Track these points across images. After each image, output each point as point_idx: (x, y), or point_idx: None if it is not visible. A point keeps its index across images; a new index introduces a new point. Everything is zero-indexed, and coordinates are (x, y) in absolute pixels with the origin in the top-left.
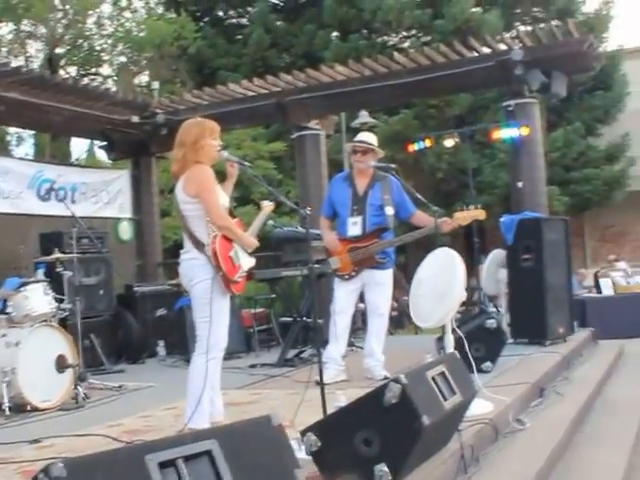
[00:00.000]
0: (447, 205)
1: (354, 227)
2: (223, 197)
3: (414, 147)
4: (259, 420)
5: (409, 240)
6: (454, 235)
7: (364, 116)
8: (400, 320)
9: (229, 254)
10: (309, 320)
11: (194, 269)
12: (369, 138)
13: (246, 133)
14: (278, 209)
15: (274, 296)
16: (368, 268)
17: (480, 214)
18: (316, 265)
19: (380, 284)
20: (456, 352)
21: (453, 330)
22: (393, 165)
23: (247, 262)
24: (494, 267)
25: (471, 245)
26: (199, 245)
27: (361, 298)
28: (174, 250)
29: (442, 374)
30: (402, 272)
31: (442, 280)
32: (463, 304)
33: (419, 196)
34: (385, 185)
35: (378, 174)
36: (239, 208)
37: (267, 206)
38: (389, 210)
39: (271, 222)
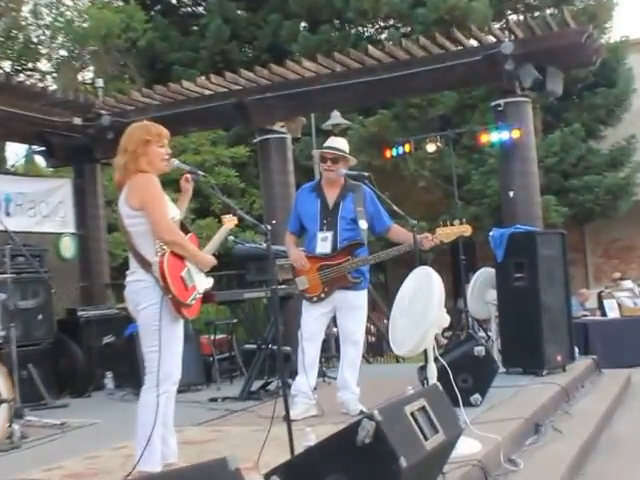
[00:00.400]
0: (431, 218)
1: (324, 243)
2: (173, 209)
3: (392, 152)
4: (214, 463)
5: (385, 258)
6: (439, 251)
7: (336, 117)
8: (379, 346)
9: (180, 274)
10: (275, 347)
11: (140, 292)
12: (340, 144)
13: (204, 136)
14: (242, 222)
15: (236, 320)
16: (340, 289)
17: (466, 230)
18: (281, 286)
19: (354, 307)
20: (439, 384)
21: (436, 359)
22: (366, 173)
23: (203, 283)
24: (482, 287)
25: (458, 263)
26: (145, 265)
27: (335, 322)
28: (123, 269)
29: (423, 409)
30: (382, 291)
31: (418, 302)
32: (449, 329)
33: (396, 208)
34: (358, 196)
35: (350, 184)
36: (198, 221)
37: (229, 220)
38: (363, 224)
39: (232, 238)
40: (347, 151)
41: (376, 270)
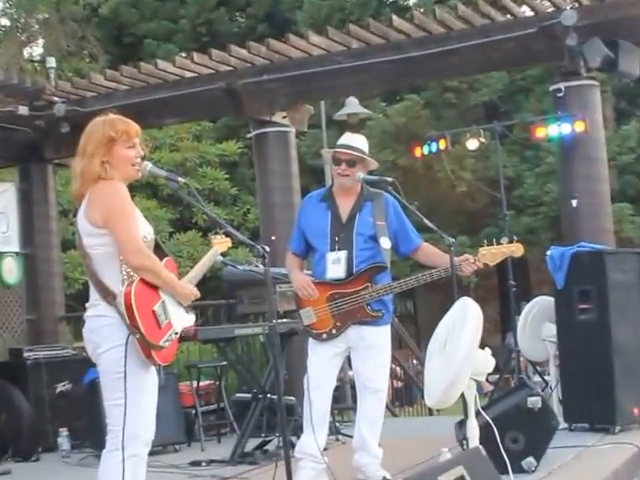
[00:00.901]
0: (472, 232)
1: (335, 266)
2: (144, 226)
3: (424, 150)
4: None
5: (414, 285)
6: (484, 273)
7: (352, 105)
8: (407, 394)
9: (152, 308)
10: (275, 398)
11: (101, 331)
12: (358, 142)
13: (185, 129)
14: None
15: (225, 363)
16: (356, 324)
17: (516, 250)
18: (283, 320)
19: (373, 347)
20: (482, 446)
21: (478, 412)
22: (390, 179)
23: (181, 319)
24: (537, 320)
25: (507, 288)
26: (108, 296)
27: (350, 364)
28: (83, 298)
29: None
30: (410, 323)
31: (453, 340)
32: (496, 373)
33: (427, 222)
34: (378, 206)
35: (369, 191)
36: (177, 235)
37: (219, 242)
38: (385, 242)
39: (220, 258)
40: (366, 151)
41: (403, 297)
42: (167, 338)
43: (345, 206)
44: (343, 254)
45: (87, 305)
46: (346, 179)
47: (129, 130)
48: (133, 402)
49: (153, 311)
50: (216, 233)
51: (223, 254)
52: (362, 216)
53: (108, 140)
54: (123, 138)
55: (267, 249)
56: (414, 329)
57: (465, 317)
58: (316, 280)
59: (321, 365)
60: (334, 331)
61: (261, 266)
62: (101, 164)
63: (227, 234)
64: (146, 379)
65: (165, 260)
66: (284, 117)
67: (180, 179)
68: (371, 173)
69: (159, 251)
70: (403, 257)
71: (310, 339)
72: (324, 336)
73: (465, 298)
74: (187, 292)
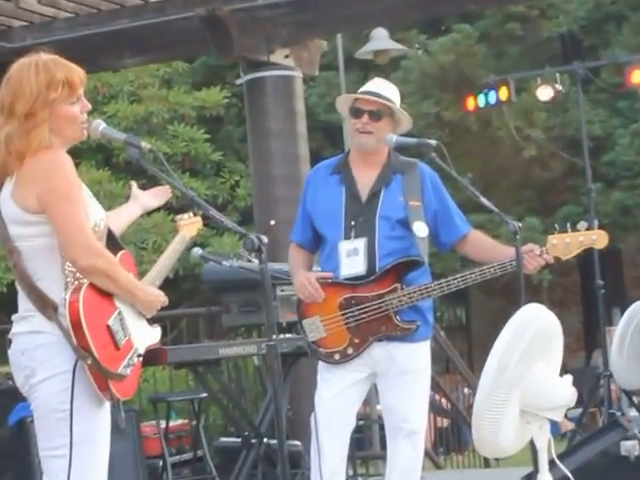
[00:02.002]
0: (544, 211)
1: (352, 260)
2: (95, 210)
3: (478, 100)
4: None
5: (459, 287)
6: (561, 270)
7: (380, 39)
8: (456, 436)
9: (107, 322)
10: (274, 442)
11: (37, 353)
12: (386, 90)
13: (150, 72)
14: (211, 222)
15: (205, 395)
16: (382, 340)
17: (598, 239)
18: (286, 336)
19: (407, 372)
20: None
21: (552, 462)
22: (433, 142)
23: (145, 335)
24: (638, 337)
25: (591, 291)
26: (46, 306)
27: (377, 394)
28: (8, 305)
29: None
30: (461, 338)
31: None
32: (578, 405)
33: (485, 201)
34: (412, 181)
35: (399, 160)
36: (139, 220)
37: (189, 223)
38: (420, 229)
39: (197, 250)
40: (398, 102)
41: (451, 303)
42: (128, 362)
43: (365, 180)
44: (362, 243)
45: (14, 317)
46: (368, 138)
47: (72, 78)
48: (81, 453)
49: (108, 326)
50: (186, 212)
51: (202, 244)
52: (389, 194)
53: (46, 93)
54: (65, 91)
55: (264, 239)
56: (466, 345)
57: (524, 332)
58: (326, 280)
59: (334, 399)
60: (350, 350)
61: (256, 261)
62: (37, 127)
63: (203, 213)
64: (99, 420)
65: (120, 255)
66: (287, 56)
67: (144, 144)
68: (406, 135)
69: (111, 242)
70: (444, 250)
71: (320, 363)
72: (337, 357)
73: (534, 305)
74: (151, 299)
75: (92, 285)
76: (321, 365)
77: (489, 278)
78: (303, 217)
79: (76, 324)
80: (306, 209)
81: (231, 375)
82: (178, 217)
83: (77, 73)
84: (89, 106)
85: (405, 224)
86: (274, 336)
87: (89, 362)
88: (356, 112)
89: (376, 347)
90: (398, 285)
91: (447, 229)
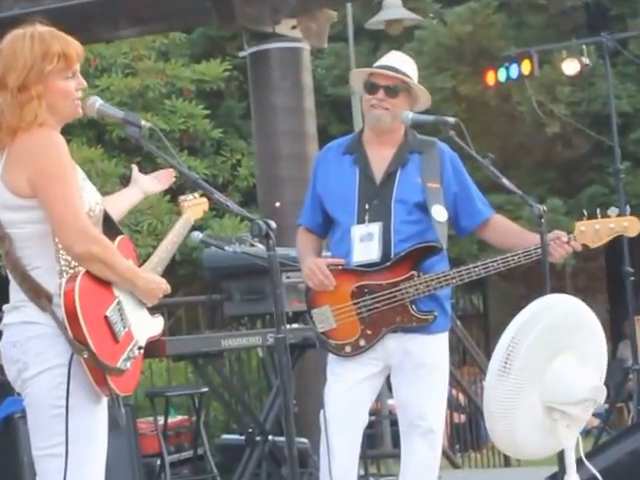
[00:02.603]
0: (568, 192)
1: (365, 246)
2: (90, 194)
3: (499, 75)
4: None
5: (481, 276)
6: (586, 255)
7: (393, 7)
8: (475, 433)
9: (105, 313)
10: (280, 440)
11: (30, 345)
12: (403, 63)
13: (146, 44)
14: (216, 206)
15: (206, 390)
16: (396, 332)
17: (630, 227)
18: (293, 325)
19: (423, 366)
20: None
21: (580, 461)
22: (452, 119)
23: (146, 326)
24: None
25: (618, 277)
26: (39, 296)
27: (390, 389)
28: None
29: None
30: (478, 327)
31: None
32: (605, 400)
33: (507, 183)
34: (430, 161)
35: (416, 139)
36: (139, 206)
37: (190, 206)
38: (439, 212)
39: (197, 234)
40: (415, 77)
41: (467, 290)
42: (128, 355)
43: (380, 160)
44: (376, 228)
45: (5, 307)
46: (384, 114)
47: (68, 51)
48: (78, 451)
49: (106, 317)
50: (190, 193)
51: (201, 227)
52: (405, 175)
53: (40, 66)
54: (60, 64)
55: (272, 224)
56: (484, 335)
57: (550, 323)
58: (337, 266)
59: (345, 394)
60: (362, 342)
61: (260, 246)
62: (30, 102)
63: (206, 196)
64: (96, 417)
65: (118, 240)
66: (293, 27)
67: (144, 122)
68: (424, 113)
69: (109, 227)
70: (464, 235)
71: (330, 356)
72: (348, 349)
73: (559, 295)
74: (153, 287)
75: (89, 273)
76: (331, 358)
77: (513, 266)
78: (313, 199)
79: (72, 315)
80: (316, 191)
81: (233, 368)
82: (182, 198)
83: (74, 47)
84: (84, 83)
85: (423, 207)
86: (282, 326)
87: (85, 356)
88: (371, 87)
89: (390, 339)
90: (415, 272)
91: (468, 213)
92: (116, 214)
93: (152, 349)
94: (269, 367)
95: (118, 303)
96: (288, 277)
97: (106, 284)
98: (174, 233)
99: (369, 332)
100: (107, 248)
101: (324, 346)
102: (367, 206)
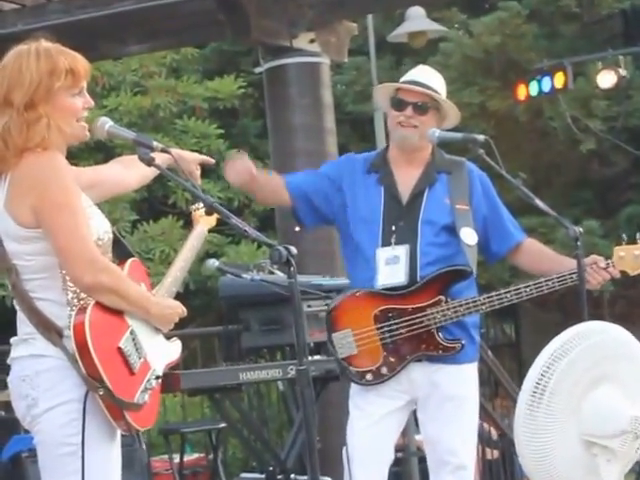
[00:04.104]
0: (604, 213)
1: (392, 269)
2: (99, 221)
3: (531, 88)
4: None
5: (512, 302)
6: (624, 281)
7: (417, 19)
8: (508, 470)
9: (118, 344)
10: (302, 478)
11: (40, 380)
12: (432, 79)
13: (156, 60)
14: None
15: (224, 426)
16: (421, 361)
17: None
18: (315, 357)
19: (452, 398)
20: None
21: None
22: (481, 137)
23: (163, 352)
24: None
25: None
26: (48, 329)
27: (416, 423)
28: (5, 323)
29: None
30: (511, 357)
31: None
32: None
33: (540, 204)
34: (459, 182)
35: (444, 158)
36: (144, 226)
37: (202, 215)
38: (468, 235)
39: (213, 262)
40: (444, 94)
41: (499, 317)
42: (145, 387)
43: (407, 179)
44: (403, 250)
45: (13, 340)
46: (411, 132)
47: (76, 67)
48: None
49: (119, 349)
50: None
51: (216, 254)
52: (433, 195)
53: (47, 84)
54: (68, 81)
55: (293, 250)
56: (516, 366)
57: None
58: (359, 290)
59: (369, 430)
60: (384, 370)
61: (279, 273)
62: (37, 122)
63: (223, 221)
64: (111, 455)
65: (129, 263)
66: (312, 41)
67: (155, 143)
68: (452, 130)
69: (119, 249)
70: (494, 260)
71: (353, 386)
72: (369, 377)
73: (595, 323)
74: (168, 313)
75: (99, 304)
76: (353, 390)
77: (546, 292)
78: (318, 181)
79: (83, 349)
80: (326, 174)
81: (252, 402)
82: (194, 207)
83: (82, 63)
84: (92, 102)
85: (451, 230)
86: (303, 357)
87: (101, 393)
88: (399, 104)
89: (415, 369)
90: (442, 297)
91: (499, 237)
92: (124, 183)
93: (166, 384)
94: (290, 401)
95: (131, 332)
96: (309, 306)
97: (117, 313)
98: (187, 247)
99: (392, 359)
100: (118, 277)
101: (344, 373)
102: (393, 228)
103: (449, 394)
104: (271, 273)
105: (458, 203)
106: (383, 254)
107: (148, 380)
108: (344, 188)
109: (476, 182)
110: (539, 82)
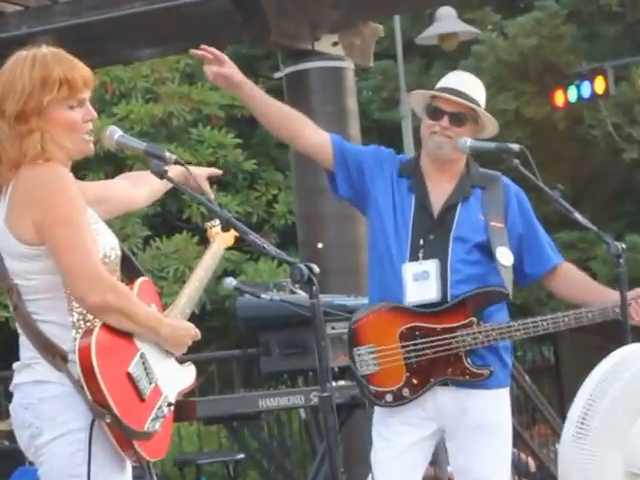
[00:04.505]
0: None
1: (421, 285)
2: (106, 237)
3: (569, 93)
4: None
5: (549, 331)
6: None
7: (447, 19)
8: None
9: (127, 369)
10: None
11: (44, 407)
12: (471, 86)
13: (169, 65)
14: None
15: (242, 457)
16: (446, 384)
17: None
18: (339, 383)
19: (483, 427)
20: None
21: None
22: (517, 146)
23: (176, 378)
24: None
25: None
26: (53, 354)
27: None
28: (6, 347)
29: None
30: (550, 380)
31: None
32: None
33: (580, 218)
34: (494, 198)
35: (478, 172)
36: (157, 242)
37: (218, 232)
38: (504, 255)
39: (231, 280)
40: (483, 104)
41: (535, 339)
42: (156, 415)
43: (439, 191)
44: (433, 266)
45: (16, 366)
46: (446, 142)
47: (72, 76)
48: None
49: (128, 374)
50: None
51: (234, 272)
52: (466, 210)
53: (39, 95)
54: (64, 91)
55: (315, 269)
56: (556, 391)
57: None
58: (386, 304)
59: (394, 461)
60: (406, 392)
61: (301, 293)
62: (31, 135)
63: (240, 238)
64: None
65: (139, 283)
66: (335, 44)
67: (168, 154)
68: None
69: (128, 268)
70: (527, 283)
71: (376, 409)
72: (388, 398)
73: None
74: (179, 335)
75: (106, 326)
76: (376, 418)
77: (585, 324)
78: (360, 153)
79: (89, 375)
80: (368, 157)
81: (273, 431)
82: (209, 224)
83: (80, 72)
84: (94, 114)
85: (483, 248)
86: (328, 384)
87: (108, 420)
88: (434, 112)
89: (442, 394)
90: (474, 319)
91: (534, 258)
92: (134, 199)
93: (181, 411)
94: (313, 430)
95: (141, 356)
96: (333, 328)
97: (126, 335)
98: (203, 266)
99: (415, 381)
100: (125, 296)
101: (362, 392)
102: (422, 242)
103: (479, 422)
104: (292, 293)
105: (493, 220)
106: (410, 269)
107: (159, 407)
108: (379, 178)
109: (512, 199)
110: (578, 87)
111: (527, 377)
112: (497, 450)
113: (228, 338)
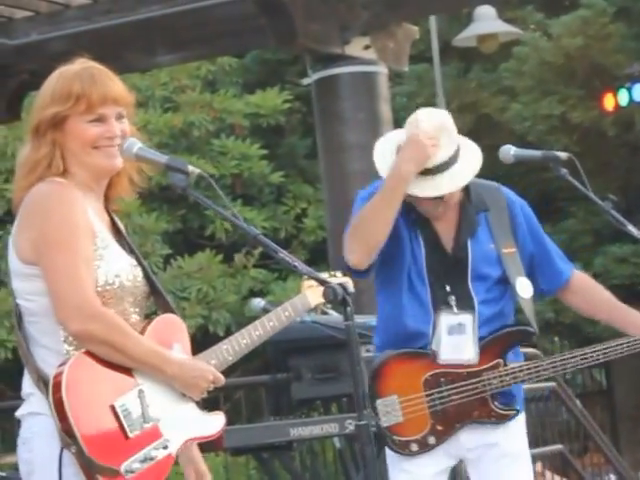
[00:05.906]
0: None
1: (456, 341)
2: (111, 262)
3: (619, 97)
4: None
5: (583, 366)
6: None
7: (487, 19)
8: None
9: (111, 402)
10: None
11: (34, 442)
12: (441, 126)
13: (189, 72)
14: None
15: None
16: (472, 424)
17: None
18: (378, 407)
19: (505, 456)
20: None
21: None
22: (564, 155)
23: (191, 425)
24: None
25: None
26: (44, 382)
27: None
28: (13, 374)
29: None
30: (602, 403)
31: None
32: None
33: (632, 229)
34: (500, 218)
35: (478, 192)
36: (178, 261)
37: (310, 286)
38: (524, 287)
39: (259, 301)
40: (455, 139)
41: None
42: (144, 457)
43: (446, 226)
44: (469, 319)
45: (23, 394)
46: (438, 214)
47: (89, 92)
48: None
49: (112, 408)
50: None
51: (260, 291)
52: (478, 243)
53: (55, 110)
54: (81, 105)
55: (350, 288)
56: (608, 416)
57: None
58: (406, 351)
59: None
60: (432, 440)
61: (334, 314)
62: (49, 150)
63: (269, 255)
64: None
65: (156, 321)
66: (367, 47)
67: (191, 168)
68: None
69: (157, 302)
70: (543, 297)
71: (389, 454)
72: (414, 448)
73: None
74: (192, 376)
75: (93, 355)
76: (392, 457)
77: (613, 358)
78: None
79: (57, 402)
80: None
81: (305, 462)
82: (307, 281)
83: (100, 88)
84: (115, 131)
85: (501, 281)
86: (364, 411)
87: (73, 451)
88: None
89: (465, 433)
90: (501, 361)
91: (548, 275)
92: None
93: (207, 442)
94: (348, 460)
95: (139, 392)
96: (368, 350)
97: (124, 369)
98: (276, 315)
99: (440, 428)
100: (111, 327)
101: (384, 443)
102: (448, 287)
103: (503, 452)
104: (324, 314)
105: (504, 246)
106: (446, 320)
107: (150, 449)
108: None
109: (519, 216)
110: (629, 90)
111: (578, 402)
112: (521, 476)
113: (256, 363)
